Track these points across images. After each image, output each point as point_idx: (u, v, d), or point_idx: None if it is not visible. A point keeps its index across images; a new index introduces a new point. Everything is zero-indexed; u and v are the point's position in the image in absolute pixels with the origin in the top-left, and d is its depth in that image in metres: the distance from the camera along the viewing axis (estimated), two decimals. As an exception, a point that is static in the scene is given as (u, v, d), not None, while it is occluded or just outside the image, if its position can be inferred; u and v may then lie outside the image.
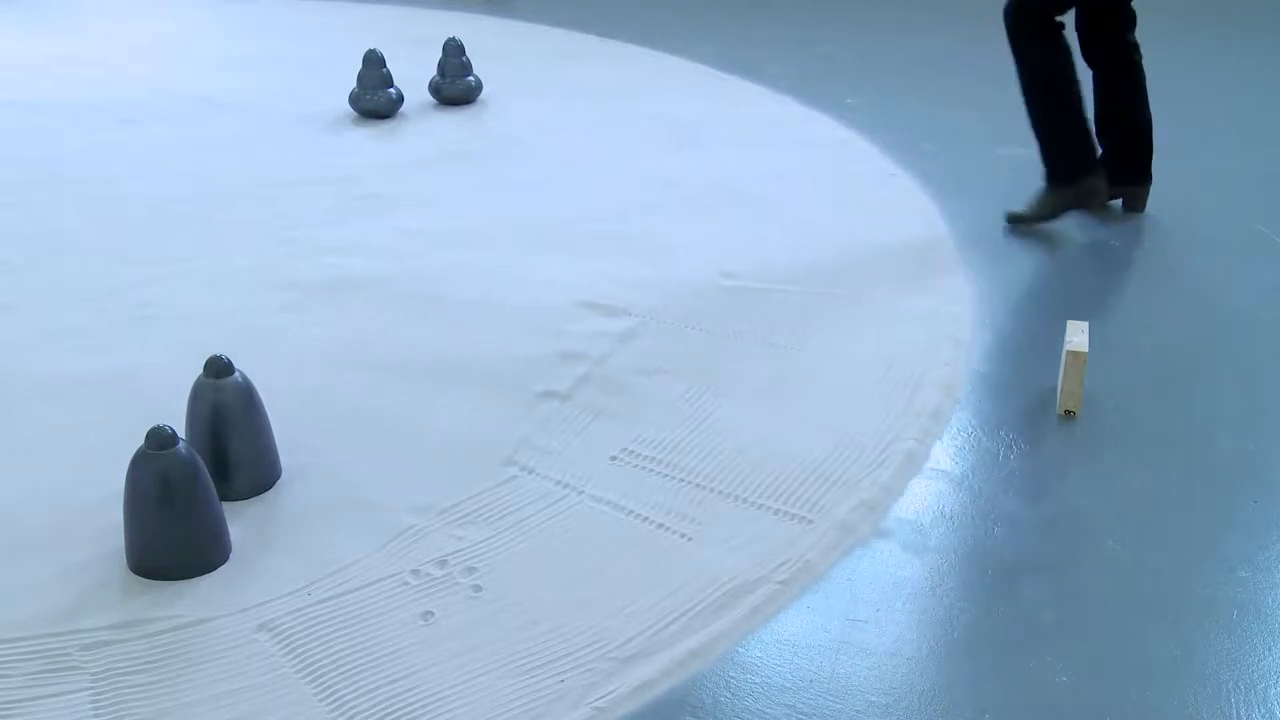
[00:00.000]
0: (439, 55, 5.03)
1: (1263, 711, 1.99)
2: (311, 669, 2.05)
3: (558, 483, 2.55)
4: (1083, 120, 3.58)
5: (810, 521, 2.44)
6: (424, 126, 4.82)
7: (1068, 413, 2.84)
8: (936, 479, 2.61)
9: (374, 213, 3.94)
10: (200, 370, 2.46)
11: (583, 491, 2.53)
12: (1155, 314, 3.22)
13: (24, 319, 3.25)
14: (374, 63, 4.83)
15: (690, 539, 2.39)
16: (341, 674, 2.04)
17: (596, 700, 2.01)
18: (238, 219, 3.90)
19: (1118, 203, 3.86)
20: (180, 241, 3.72)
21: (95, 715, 1.96)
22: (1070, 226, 3.77)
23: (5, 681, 2.02)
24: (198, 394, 2.46)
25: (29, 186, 4.16)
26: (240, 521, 2.41)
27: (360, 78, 4.85)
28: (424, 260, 3.60)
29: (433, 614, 2.18)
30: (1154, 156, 3.83)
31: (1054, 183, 3.67)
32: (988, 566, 2.35)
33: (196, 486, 2.23)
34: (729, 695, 2.03)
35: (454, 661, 2.07)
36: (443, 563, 2.31)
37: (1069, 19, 3.59)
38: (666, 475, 2.58)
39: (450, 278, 3.48)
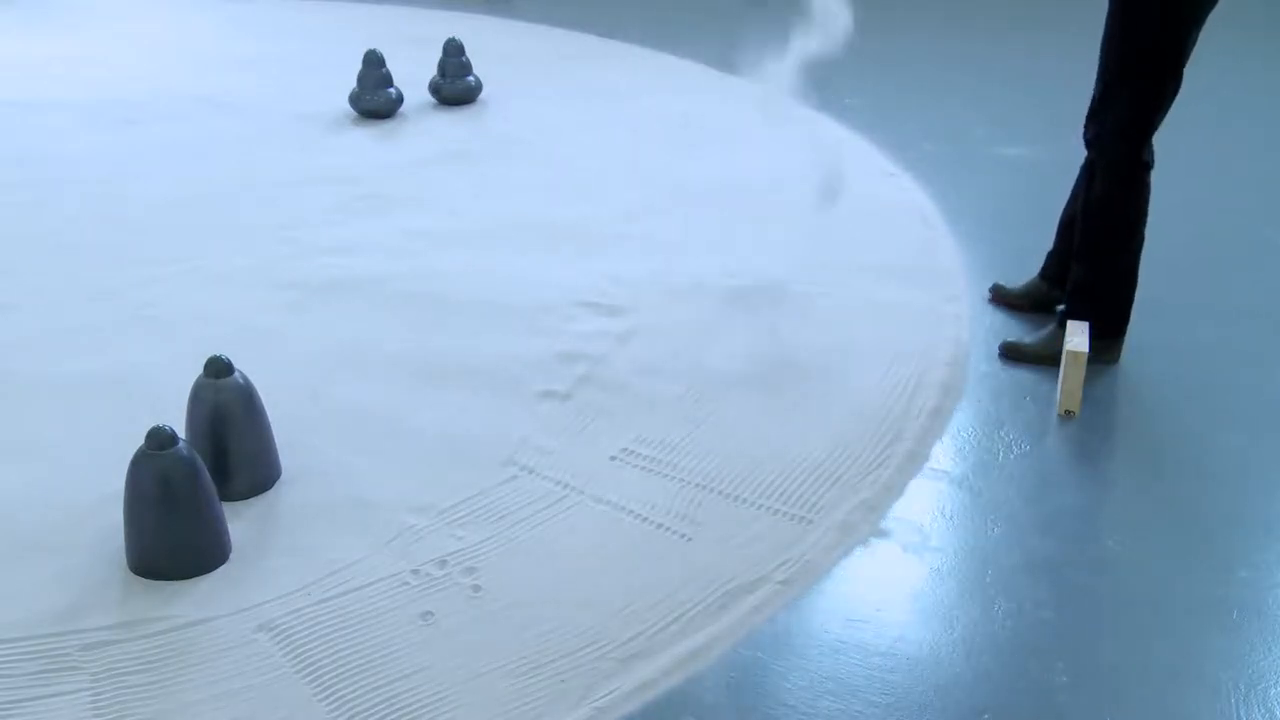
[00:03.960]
0: (439, 55, 5.03)
1: (1263, 711, 1.99)
2: (311, 669, 2.05)
3: (558, 483, 2.55)
4: (1138, 272, 3.03)
5: (810, 521, 2.44)
6: (424, 126, 4.81)
7: (1068, 413, 2.83)
8: (936, 479, 2.61)
9: (374, 213, 3.94)
10: (200, 370, 2.46)
11: (583, 491, 2.53)
12: (1156, 314, 3.22)
13: (24, 319, 3.25)
14: (374, 63, 4.83)
15: (690, 539, 2.39)
16: (341, 674, 2.04)
17: (596, 700, 2.01)
18: (238, 219, 3.90)
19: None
20: (180, 241, 3.72)
21: (95, 715, 1.96)
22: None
23: (5, 681, 2.02)
24: (198, 394, 2.46)
25: (29, 186, 4.16)
26: (240, 521, 2.41)
27: (360, 78, 4.85)
28: (424, 260, 3.60)
29: (433, 614, 2.18)
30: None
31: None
32: (988, 566, 2.35)
33: (196, 486, 2.23)
34: (729, 695, 2.03)
35: (454, 661, 2.07)
36: (443, 563, 2.31)
37: (1083, 98, 3.01)
38: (666, 475, 2.58)
39: (450, 278, 3.48)
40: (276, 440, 2.55)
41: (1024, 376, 3.01)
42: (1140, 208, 2.94)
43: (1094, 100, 2.91)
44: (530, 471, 2.59)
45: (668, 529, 2.41)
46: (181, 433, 2.39)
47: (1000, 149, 4.56)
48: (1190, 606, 2.23)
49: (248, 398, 2.47)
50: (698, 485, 2.55)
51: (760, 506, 2.48)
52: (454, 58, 5.02)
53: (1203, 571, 2.33)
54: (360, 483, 2.54)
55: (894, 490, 2.56)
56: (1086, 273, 3.01)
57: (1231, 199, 4.00)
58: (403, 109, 4.93)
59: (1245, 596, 2.26)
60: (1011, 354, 3.08)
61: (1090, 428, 2.81)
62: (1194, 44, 2.78)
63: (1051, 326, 3.09)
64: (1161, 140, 2.89)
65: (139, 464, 2.21)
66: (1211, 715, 1.99)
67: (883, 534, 2.43)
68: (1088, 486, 2.60)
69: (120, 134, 4.67)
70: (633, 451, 2.66)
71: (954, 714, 1.99)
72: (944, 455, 2.70)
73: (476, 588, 2.25)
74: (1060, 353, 2.91)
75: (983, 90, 5.25)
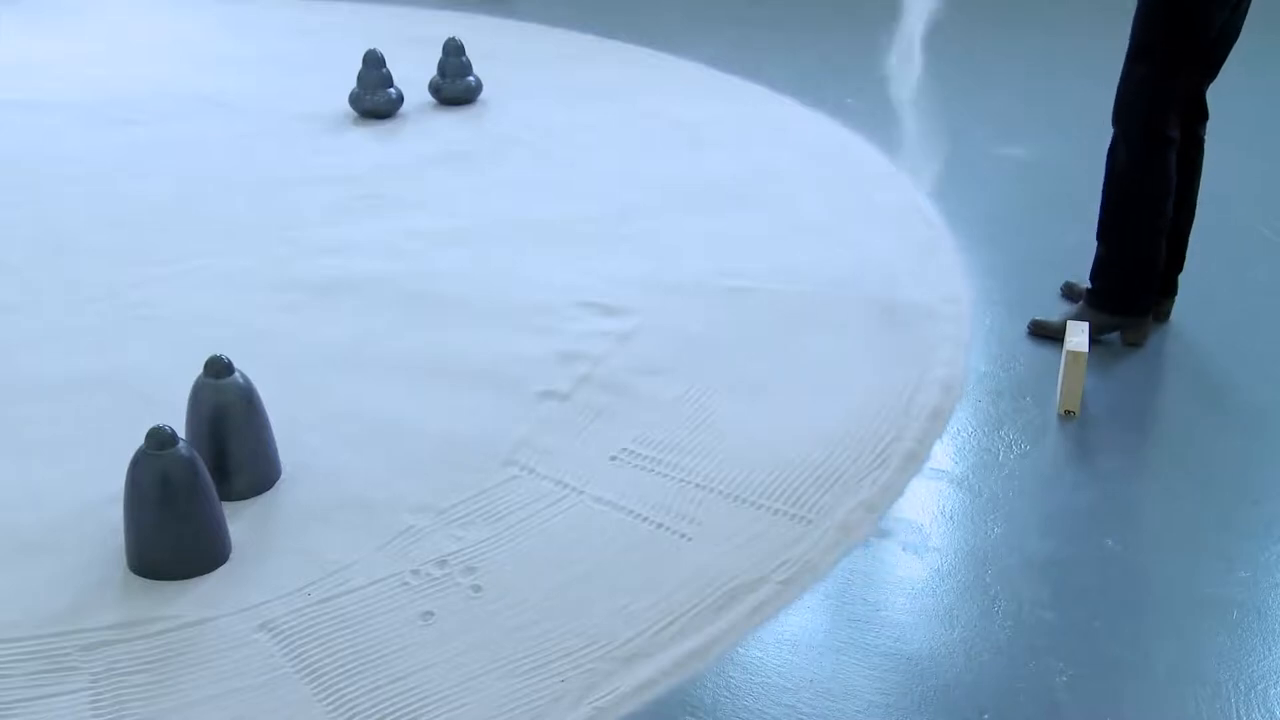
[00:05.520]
0: (439, 55, 5.03)
1: (1263, 711, 1.99)
2: (311, 669, 2.05)
3: (558, 483, 2.55)
4: (1163, 251, 3.05)
5: (810, 521, 2.44)
6: (424, 126, 4.81)
7: (1068, 413, 2.84)
8: (936, 479, 2.61)
9: (374, 213, 3.94)
10: (200, 370, 2.46)
11: (583, 491, 2.53)
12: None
13: (24, 319, 3.25)
14: (374, 63, 4.83)
15: (690, 539, 2.39)
16: (341, 674, 2.04)
17: (596, 700, 2.01)
18: (238, 219, 3.90)
19: None
20: (180, 241, 3.72)
21: (95, 715, 1.96)
22: (1071, 230, 3.77)
23: (5, 681, 2.02)
24: (198, 394, 2.46)
25: (29, 186, 4.16)
26: (240, 521, 2.41)
27: (360, 78, 4.85)
28: (424, 260, 3.60)
29: (433, 614, 2.18)
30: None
31: (1101, 305, 3.09)
32: (988, 566, 2.35)
33: (196, 486, 2.23)
34: (729, 695, 2.03)
35: (454, 661, 2.07)
36: (443, 563, 2.31)
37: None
38: (666, 475, 2.58)
39: (450, 278, 3.48)
40: (276, 440, 2.55)
41: (1024, 376, 3.01)
42: (1162, 184, 2.97)
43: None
44: (530, 471, 2.59)
45: (668, 529, 2.41)
46: (181, 433, 2.39)
47: (1000, 149, 4.55)
48: (1190, 606, 2.24)
49: (248, 398, 2.47)
50: (698, 485, 2.55)
51: (760, 506, 2.48)
52: (454, 58, 5.02)
53: (1203, 571, 2.33)
54: (360, 483, 2.54)
55: (894, 490, 2.56)
56: (1111, 251, 3.06)
57: (1231, 198, 4.00)
58: (403, 109, 4.93)
59: (1245, 596, 2.26)
60: (1038, 331, 3.16)
61: (1090, 428, 2.81)
62: (1219, 24, 2.80)
63: (1080, 304, 3.14)
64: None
65: (139, 464, 2.21)
66: (1211, 715, 1.99)
67: (883, 534, 2.43)
68: (1088, 486, 2.60)
69: (120, 134, 4.67)
70: (633, 451, 2.66)
71: (954, 714, 1.99)
72: (944, 455, 2.70)
73: (476, 588, 2.25)
74: (1092, 331, 2.97)
75: (982, 90, 5.24)
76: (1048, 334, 3.15)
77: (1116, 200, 3.04)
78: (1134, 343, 3.10)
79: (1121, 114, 2.97)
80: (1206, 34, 2.82)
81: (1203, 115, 3.08)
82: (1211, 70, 2.98)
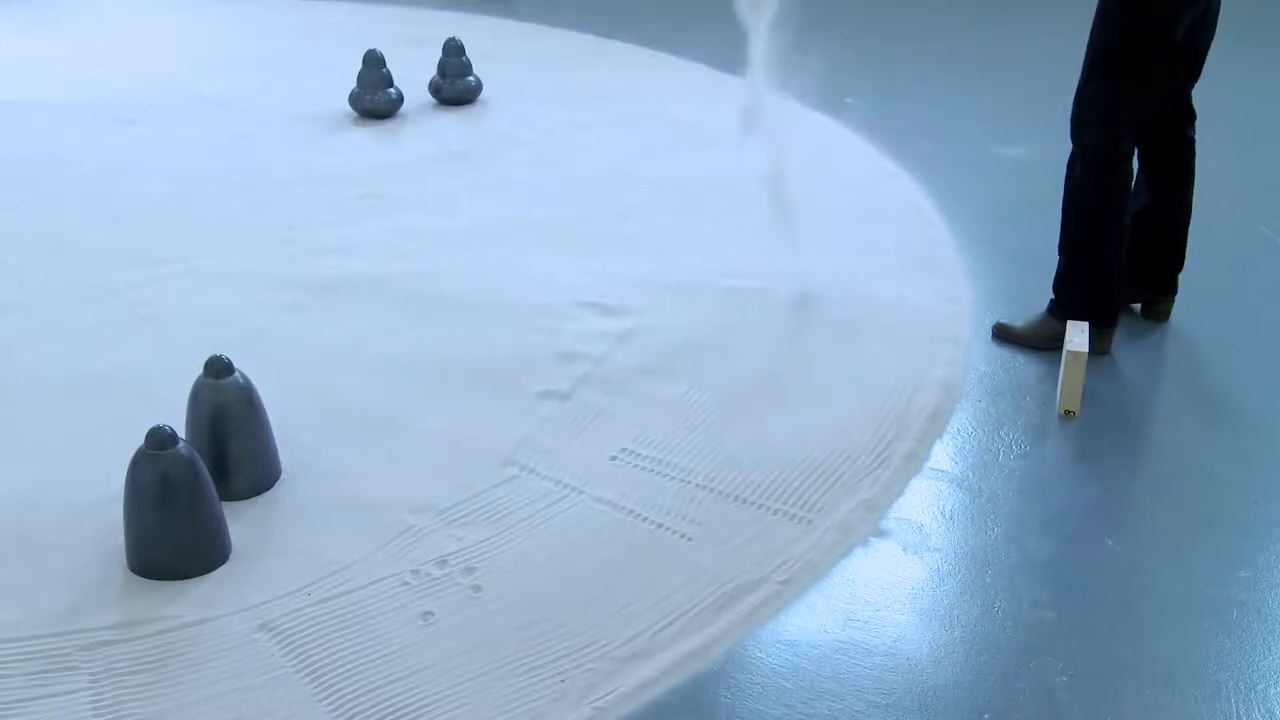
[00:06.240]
0: (439, 55, 5.03)
1: (1263, 711, 1.99)
2: (311, 669, 2.05)
3: (558, 483, 2.55)
4: (1122, 264, 3.06)
5: (810, 521, 2.44)
6: (424, 126, 4.81)
7: (1068, 413, 2.84)
8: (936, 479, 2.61)
9: (374, 213, 3.94)
10: (200, 370, 2.46)
11: (583, 491, 2.53)
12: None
13: (24, 319, 3.25)
14: (374, 63, 4.83)
15: (690, 539, 2.39)
16: (341, 674, 2.04)
17: (596, 700, 2.01)
18: (238, 219, 3.89)
19: (1136, 306, 3.30)
20: (180, 241, 3.72)
21: (95, 715, 1.96)
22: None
23: (5, 681, 2.02)
24: (198, 394, 2.46)
25: (29, 186, 4.16)
26: (240, 521, 2.41)
27: (360, 78, 4.85)
28: (424, 260, 3.59)
29: (433, 614, 2.18)
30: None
31: (1062, 316, 3.04)
32: (988, 566, 2.35)
33: (196, 486, 2.23)
34: (729, 695, 2.03)
35: (454, 661, 2.07)
36: (443, 563, 2.31)
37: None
38: (666, 475, 2.58)
39: (450, 277, 3.48)
40: (276, 440, 2.55)
41: (1024, 376, 3.01)
42: (1118, 199, 2.97)
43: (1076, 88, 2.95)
44: (530, 471, 2.59)
45: (668, 529, 2.41)
46: (181, 433, 2.39)
47: (1000, 149, 4.55)
48: (1190, 606, 2.24)
49: (248, 398, 2.47)
50: (698, 485, 2.55)
51: (760, 506, 2.48)
52: (454, 58, 5.02)
53: (1203, 571, 2.33)
54: (360, 483, 2.54)
55: (894, 490, 2.56)
56: (1070, 263, 3.07)
57: (1230, 198, 4.00)
58: (403, 109, 4.93)
59: (1245, 596, 2.26)
60: (1001, 334, 3.16)
61: (1090, 428, 2.81)
62: (1176, 39, 2.78)
63: (1042, 312, 3.14)
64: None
65: (139, 464, 2.21)
66: (1211, 715, 1.99)
67: (883, 534, 2.44)
68: (1088, 486, 2.60)
69: (120, 134, 4.67)
70: (633, 451, 2.66)
71: (954, 714, 1.99)
72: (944, 455, 2.70)
73: (476, 588, 2.25)
74: (1046, 339, 3.04)
75: (982, 91, 5.24)
76: (1010, 339, 3.14)
77: (1073, 215, 3.04)
78: (1100, 353, 3.04)
79: (1076, 130, 2.96)
80: (1163, 50, 2.79)
81: (1190, 116, 3.07)
82: (1194, 72, 2.97)
